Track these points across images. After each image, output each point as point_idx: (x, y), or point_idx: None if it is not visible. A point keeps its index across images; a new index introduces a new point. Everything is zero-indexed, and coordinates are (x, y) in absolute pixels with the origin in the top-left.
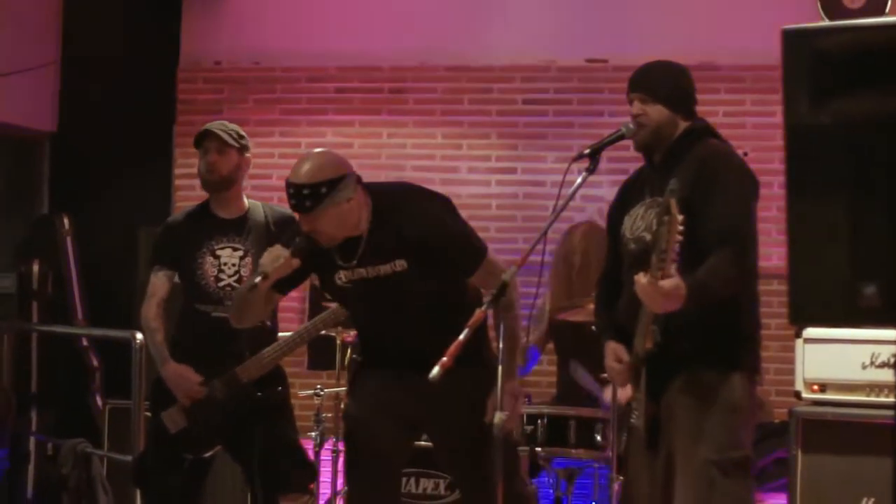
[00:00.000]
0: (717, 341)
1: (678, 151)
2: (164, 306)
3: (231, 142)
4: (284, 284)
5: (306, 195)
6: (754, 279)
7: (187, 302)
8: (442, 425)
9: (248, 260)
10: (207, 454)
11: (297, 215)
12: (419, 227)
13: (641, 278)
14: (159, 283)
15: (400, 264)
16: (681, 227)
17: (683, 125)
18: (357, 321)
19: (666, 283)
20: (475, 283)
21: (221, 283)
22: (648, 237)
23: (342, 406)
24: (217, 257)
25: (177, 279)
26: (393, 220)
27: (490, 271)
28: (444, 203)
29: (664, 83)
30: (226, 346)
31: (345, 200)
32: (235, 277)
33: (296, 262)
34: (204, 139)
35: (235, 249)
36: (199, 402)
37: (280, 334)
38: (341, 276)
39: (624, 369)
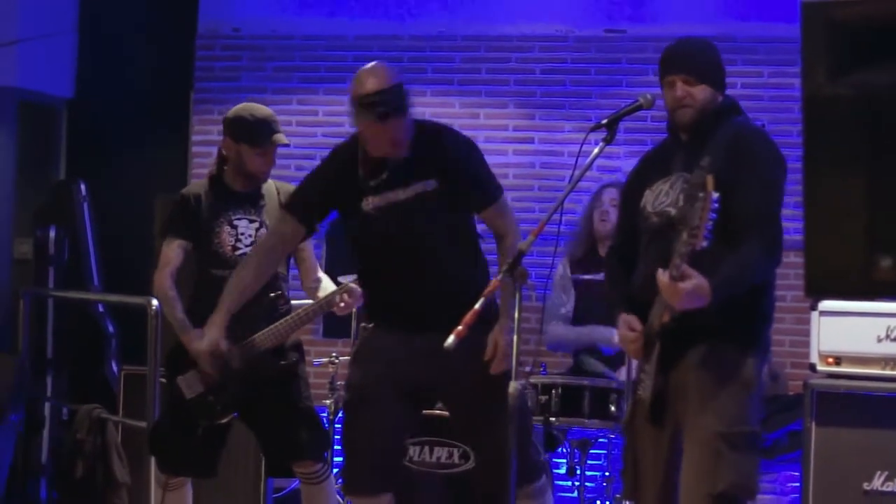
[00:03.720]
0: (735, 320)
1: (708, 128)
2: (176, 276)
3: None
4: (311, 217)
5: (389, 99)
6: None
7: (202, 268)
8: (456, 390)
9: (264, 231)
10: (222, 421)
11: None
12: (452, 151)
13: (663, 276)
14: (173, 252)
15: (430, 184)
16: (715, 205)
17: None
18: (371, 263)
19: (688, 284)
20: (487, 220)
21: (238, 252)
22: (673, 212)
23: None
24: (234, 227)
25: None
26: (430, 141)
27: (503, 212)
28: (471, 141)
29: (706, 62)
30: (241, 311)
31: (409, 108)
32: (251, 247)
33: None
34: (275, 142)
35: (252, 221)
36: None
37: (296, 302)
38: (368, 202)
39: (637, 337)
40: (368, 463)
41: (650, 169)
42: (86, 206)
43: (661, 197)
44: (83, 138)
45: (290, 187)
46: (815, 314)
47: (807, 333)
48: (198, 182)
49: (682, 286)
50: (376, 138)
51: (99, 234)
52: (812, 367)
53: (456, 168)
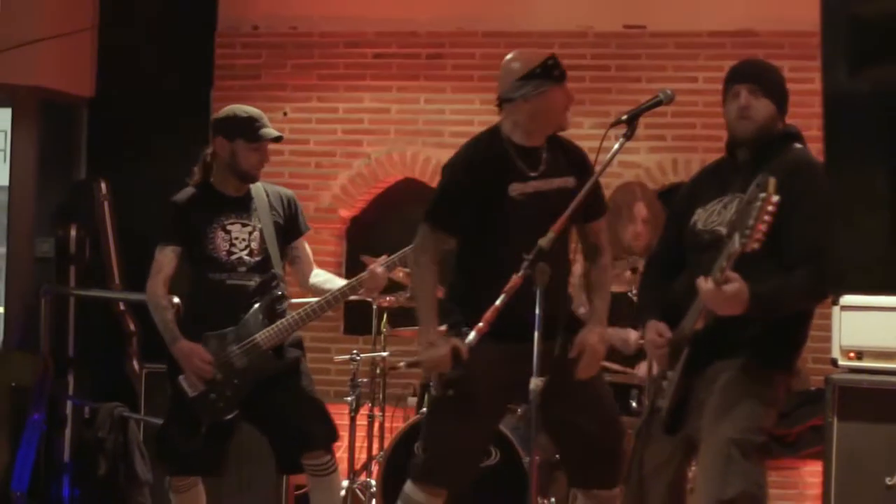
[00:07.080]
0: (769, 341)
1: (768, 152)
2: (169, 284)
3: None
4: (456, 225)
5: (559, 63)
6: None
7: (198, 273)
8: (563, 385)
9: (257, 234)
10: (226, 418)
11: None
12: (585, 157)
13: (704, 283)
14: (166, 259)
15: (569, 181)
16: (773, 209)
17: (780, 127)
18: (501, 255)
19: (729, 288)
20: (590, 233)
21: (233, 256)
22: (724, 231)
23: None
24: (228, 232)
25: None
26: (565, 142)
27: (604, 228)
28: None
29: (773, 79)
30: (241, 312)
31: None
32: (247, 251)
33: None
34: (269, 139)
35: (244, 225)
36: (219, 368)
37: (296, 301)
38: (515, 188)
39: (664, 343)
40: (454, 462)
41: (705, 187)
42: (107, 204)
43: (714, 216)
44: (104, 137)
45: (279, 188)
46: (836, 309)
47: (828, 328)
48: (187, 189)
49: (726, 289)
50: (554, 106)
51: (120, 233)
52: (833, 362)
53: (584, 172)
